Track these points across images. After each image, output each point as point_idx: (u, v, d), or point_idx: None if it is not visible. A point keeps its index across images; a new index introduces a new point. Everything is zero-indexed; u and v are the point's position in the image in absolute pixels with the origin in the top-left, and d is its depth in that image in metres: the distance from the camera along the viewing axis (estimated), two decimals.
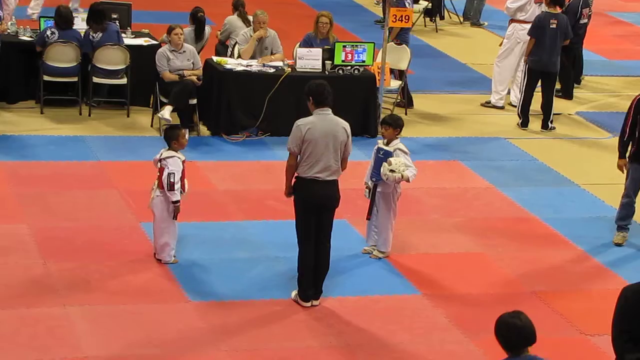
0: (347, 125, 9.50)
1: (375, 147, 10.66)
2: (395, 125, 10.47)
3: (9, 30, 14.48)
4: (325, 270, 9.68)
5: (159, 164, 10.03)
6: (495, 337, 6.37)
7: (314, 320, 9.37)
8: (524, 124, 15.05)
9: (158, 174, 10.03)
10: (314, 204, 9.44)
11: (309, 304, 9.57)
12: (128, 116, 14.24)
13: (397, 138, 10.46)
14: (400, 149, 10.37)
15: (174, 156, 9.98)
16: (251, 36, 14.39)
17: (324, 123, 9.37)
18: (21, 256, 9.98)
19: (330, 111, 9.45)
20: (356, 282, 10.15)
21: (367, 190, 10.61)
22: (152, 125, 13.98)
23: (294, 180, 9.51)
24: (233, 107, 13.84)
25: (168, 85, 13.62)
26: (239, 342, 8.90)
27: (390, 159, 10.25)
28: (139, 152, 13.06)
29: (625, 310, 6.92)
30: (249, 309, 9.45)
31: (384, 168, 10.24)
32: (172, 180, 9.91)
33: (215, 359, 8.66)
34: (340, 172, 9.51)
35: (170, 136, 10.04)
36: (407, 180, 10.26)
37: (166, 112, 13.31)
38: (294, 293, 9.66)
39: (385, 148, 10.42)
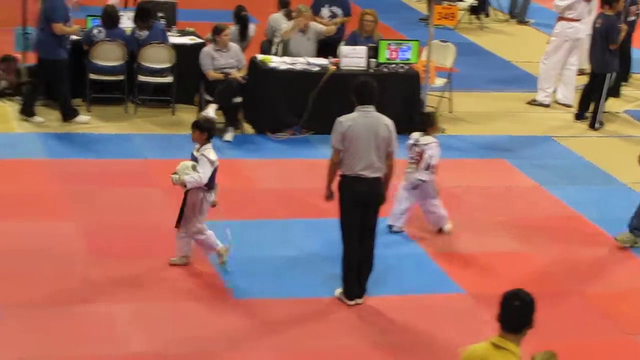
0: (390, 122, 9.46)
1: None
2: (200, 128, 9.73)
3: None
4: (370, 268, 9.68)
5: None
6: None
7: (358, 318, 9.37)
8: (578, 117, 15.13)
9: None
10: (358, 201, 9.42)
11: (353, 302, 9.57)
12: (173, 114, 14.31)
13: (208, 142, 9.73)
14: (203, 154, 9.68)
15: (433, 141, 10.89)
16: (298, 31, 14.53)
17: (365, 120, 9.35)
18: (68, 253, 10.05)
19: (372, 109, 9.41)
20: (400, 280, 10.14)
21: None
22: None
23: (338, 178, 9.51)
24: (277, 105, 13.86)
25: (212, 83, 13.67)
26: (282, 340, 8.92)
27: (184, 162, 9.84)
28: (184, 150, 13.04)
29: None
30: (292, 307, 9.47)
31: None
32: (433, 162, 10.94)
33: (259, 356, 8.68)
34: (383, 169, 9.45)
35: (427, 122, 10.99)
36: (184, 185, 9.66)
37: (211, 111, 13.36)
38: (338, 291, 9.66)
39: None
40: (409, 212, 11.19)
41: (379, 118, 9.44)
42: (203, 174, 9.62)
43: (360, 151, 9.30)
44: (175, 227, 9.88)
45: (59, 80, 13.65)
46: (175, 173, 9.70)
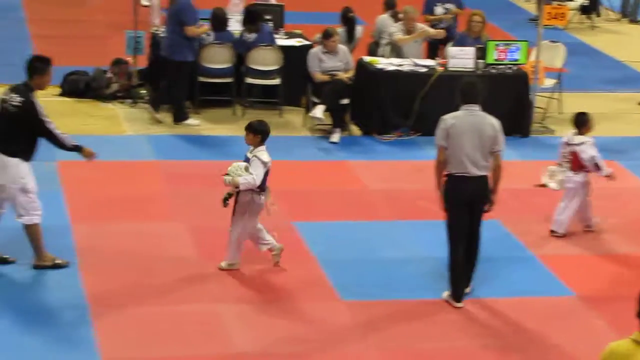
0: (496, 121, 9.40)
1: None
2: (254, 130, 9.74)
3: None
4: (475, 263, 9.64)
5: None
6: None
7: (466, 320, 9.29)
8: None
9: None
10: (463, 200, 9.39)
11: (461, 305, 9.50)
12: (280, 116, 14.38)
13: (261, 145, 9.74)
14: (256, 156, 9.68)
15: (587, 141, 10.75)
16: (402, 30, 14.47)
17: (469, 118, 9.33)
18: (176, 254, 10.17)
19: (477, 108, 9.39)
20: (509, 283, 10.02)
21: None
22: (304, 125, 14.08)
23: (444, 178, 9.46)
24: (384, 106, 13.84)
25: (320, 85, 13.71)
26: (390, 341, 8.88)
27: (236, 163, 9.74)
28: (291, 152, 13.18)
29: None
30: (399, 308, 9.43)
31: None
32: (595, 161, 10.86)
33: (365, 356, 8.67)
34: (489, 168, 9.37)
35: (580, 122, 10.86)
36: (237, 187, 9.56)
37: (318, 112, 13.40)
38: (445, 294, 9.59)
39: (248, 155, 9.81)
40: (573, 216, 11.09)
41: (484, 117, 9.40)
42: (256, 175, 9.57)
43: (465, 149, 9.27)
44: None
45: (180, 82, 13.84)
46: (227, 174, 9.62)
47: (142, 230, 10.60)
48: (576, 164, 10.99)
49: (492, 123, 9.38)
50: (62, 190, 11.17)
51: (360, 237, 10.83)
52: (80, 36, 17.47)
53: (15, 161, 9.36)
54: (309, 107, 13.99)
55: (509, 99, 14.00)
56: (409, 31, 14.59)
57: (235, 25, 14.58)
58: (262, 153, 9.68)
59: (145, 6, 18.76)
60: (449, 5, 15.30)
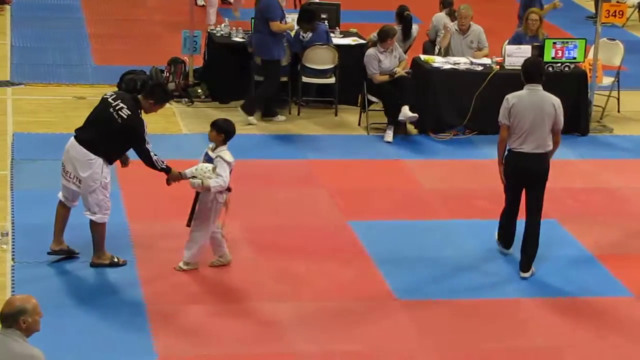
0: (557, 100, 9.77)
1: None
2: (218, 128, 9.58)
3: (221, 32, 14.85)
4: (536, 244, 9.95)
5: None
6: None
7: (524, 321, 9.23)
8: None
9: None
10: (521, 176, 9.81)
11: (509, 251, 10.19)
12: (336, 115, 14.37)
13: (224, 144, 9.61)
14: (220, 156, 9.54)
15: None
16: (456, 30, 14.40)
17: (531, 97, 9.74)
18: (233, 253, 10.20)
19: (540, 87, 9.79)
20: (566, 282, 9.94)
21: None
22: (359, 124, 14.07)
23: (505, 152, 9.87)
24: (440, 105, 13.78)
25: (378, 84, 13.63)
26: (446, 341, 8.85)
27: (201, 164, 9.61)
28: (347, 151, 13.17)
29: None
30: (455, 308, 9.39)
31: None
32: None
33: (422, 357, 8.64)
34: (550, 145, 9.76)
35: None
36: (209, 189, 9.45)
37: (406, 111, 13.32)
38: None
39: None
40: None
41: (546, 96, 9.78)
42: (225, 177, 9.50)
43: (526, 128, 9.67)
44: (187, 225, 9.72)
45: (270, 79, 13.91)
46: (194, 177, 9.52)
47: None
48: None
49: (553, 102, 9.76)
50: (120, 189, 11.25)
51: (416, 237, 10.80)
52: (138, 36, 17.60)
53: (100, 161, 9.47)
54: (364, 106, 13.97)
55: (567, 98, 13.80)
56: (462, 29, 14.51)
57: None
58: (225, 153, 9.60)
59: (202, 6, 18.86)
60: None
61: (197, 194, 9.65)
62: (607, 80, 14.77)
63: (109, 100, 9.52)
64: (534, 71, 9.88)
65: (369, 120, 13.86)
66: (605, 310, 9.47)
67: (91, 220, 9.62)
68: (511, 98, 9.83)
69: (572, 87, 13.97)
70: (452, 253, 10.45)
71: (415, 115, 13.37)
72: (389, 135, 13.50)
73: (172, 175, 9.69)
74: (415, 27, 15.00)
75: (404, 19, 14.83)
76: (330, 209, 11.38)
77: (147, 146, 9.52)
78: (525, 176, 9.85)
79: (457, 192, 11.98)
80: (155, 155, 9.57)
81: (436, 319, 9.19)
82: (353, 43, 14.77)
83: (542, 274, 10.01)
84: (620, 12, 14.39)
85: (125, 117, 9.39)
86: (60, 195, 9.75)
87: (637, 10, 20.18)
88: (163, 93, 9.74)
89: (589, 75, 14.06)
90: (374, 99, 13.82)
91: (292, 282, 9.73)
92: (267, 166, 12.57)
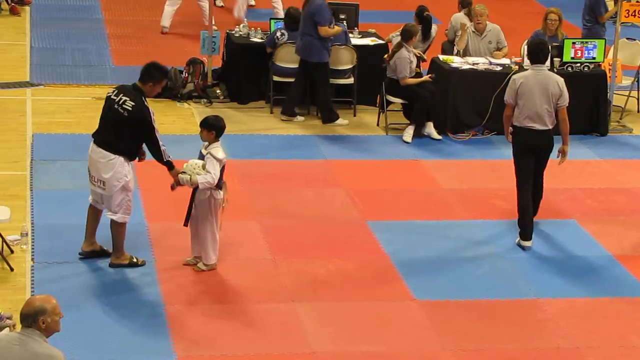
0: (560, 79, 10.48)
1: None
2: (209, 126, 9.62)
3: (240, 33, 14.87)
4: (540, 196, 10.71)
5: None
6: None
7: (541, 321, 9.20)
8: None
9: None
10: (528, 150, 10.46)
11: (529, 244, 10.42)
12: (354, 115, 14.37)
13: (217, 141, 9.62)
14: (210, 153, 9.56)
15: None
16: (473, 31, 14.37)
17: (537, 77, 10.41)
18: (251, 252, 10.22)
19: (544, 67, 10.55)
20: (585, 283, 9.91)
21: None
22: (378, 125, 14.06)
23: (511, 128, 10.56)
24: (459, 105, 13.76)
25: (398, 85, 13.60)
26: (465, 342, 8.83)
27: (191, 160, 9.61)
28: (365, 151, 13.17)
29: None
30: (474, 308, 9.37)
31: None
32: None
33: (441, 357, 8.63)
34: (553, 122, 10.40)
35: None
36: (197, 186, 9.48)
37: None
38: (517, 240, 10.50)
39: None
40: None
41: (550, 75, 10.51)
42: (214, 174, 9.48)
43: (531, 105, 10.35)
44: (185, 225, 9.74)
45: (322, 83, 13.94)
46: (183, 172, 9.53)
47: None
48: None
49: (557, 81, 10.44)
50: (139, 190, 11.28)
51: (435, 237, 10.79)
52: (157, 36, 17.63)
53: (120, 159, 9.50)
54: (383, 107, 13.95)
55: (587, 98, 13.84)
56: (478, 29, 14.48)
57: None
58: (217, 150, 9.60)
59: (220, 7, 18.88)
60: None
61: (193, 193, 9.66)
62: (627, 80, 14.72)
63: (112, 97, 9.57)
64: (538, 52, 10.53)
65: (388, 121, 13.84)
66: (625, 310, 9.44)
67: (112, 220, 9.65)
68: (518, 78, 10.46)
69: (592, 87, 13.93)
70: (470, 253, 10.44)
71: (440, 137, 13.40)
72: (409, 136, 13.48)
73: (174, 173, 9.62)
74: (434, 28, 14.97)
75: (423, 19, 14.80)
76: (348, 209, 11.38)
77: (156, 134, 9.51)
78: (533, 151, 10.48)
79: (475, 192, 11.96)
80: (164, 146, 9.56)
81: (455, 320, 9.17)
82: (372, 43, 14.76)
83: (561, 274, 9.98)
84: None
85: (130, 108, 9.43)
86: (90, 199, 9.78)
87: None
88: (157, 71, 9.70)
89: (608, 75, 14.02)
90: (393, 99, 13.81)
91: (311, 282, 9.73)
92: (286, 166, 12.57)
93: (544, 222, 11.11)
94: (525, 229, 10.51)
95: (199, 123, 9.87)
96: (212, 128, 9.62)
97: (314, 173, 12.40)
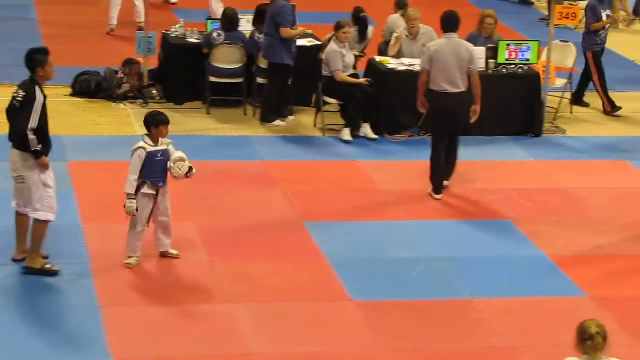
0: (471, 46, 11.72)
1: None
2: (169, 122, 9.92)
3: (176, 33, 14.80)
4: (454, 159, 11.74)
5: None
6: None
7: (477, 321, 9.28)
8: None
9: None
10: (444, 112, 11.48)
11: (440, 197, 11.57)
12: (245, 114, 14.33)
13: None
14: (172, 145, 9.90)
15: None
16: (407, 35, 14.42)
17: (449, 44, 11.51)
18: (189, 254, 10.18)
19: (456, 36, 11.58)
20: (519, 283, 10.01)
21: None
22: (315, 125, 14.07)
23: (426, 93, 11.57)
24: (395, 106, 13.81)
25: (337, 85, 13.61)
26: (401, 342, 8.88)
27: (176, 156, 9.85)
28: (302, 152, 13.17)
29: None
30: (410, 308, 9.42)
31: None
32: None
33: (378, 358, 8.66)
34: (466, 85, 11.45)
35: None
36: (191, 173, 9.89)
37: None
38: (429, 190, 11.62)
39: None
40: None
41: (461, 43, 11.64)
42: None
43: (445, 71, 11.41)
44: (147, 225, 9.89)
45: (273, 83, 13.92)
46: (179, 161, 9.76)
47: (152, 230, 10.58)
48: None
49: (468, 47, 11.62)
50: (73, 191, 11.18)
51: (371, 237, 10.83)
52: (92, 36, 17.48)
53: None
54: (319, 107, 13.97)
55: (521, 99, 13.98)
56: (412, 33, 14.52)
57: (246, 26, 14.57)
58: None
59: (173, 4, 18.85)
60: (609, 11, 15.20)
61: (157, 194, 9.70)
62: (560, 82, 14.88)
63: (13, 94, 9.48)
64: (450, 22, 11.61)
65: (325, 122, 13.87)
66: (560, 310, 9.54)
67: (35, 219, 9.52)
68: (432, 46, 11.69)
69: (526, 88, 14.07)
70: (407, 254, 10.49)
71: (376, 137, 13.46)
72: (348, 135, 13.50)
73: (41, 162, 9.39)
74: (370, 29, 15.02)
75: (360, 20, 14.84)
76: (285, 210, 11.38)
77: (29, 123, 9.24)
78: (447, 112, 11.50)
79: (412, 193, 12.01)
80: (34, 137, 9.30)
81: (392, 320, 9.21)
82: (308, 44, 14.77)
83: (496, 275, 10.07)
84: (573, 15, 14.49)
85: (21, 99, 9.37)
86: (13, 204, 9.65)
87: None
88: (37, 54, 9.61)
89: (542, 76, 14.16)
90: (329, 100, 13.83)
91: (248, 283, 9.72)
92: (223, 167, 12.54)
93: (479, 223, 11.21)
94: (437, 184, 11.64)
95: (157, 123, 9.80)
96: (169, 122, 9.85)
97: (251, 174, 12.38)
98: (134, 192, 9.66)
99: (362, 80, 13.72)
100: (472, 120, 11.65)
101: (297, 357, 8.56)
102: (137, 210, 9.64)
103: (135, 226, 9.77)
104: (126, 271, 9.72)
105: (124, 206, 9.65)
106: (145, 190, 9.73)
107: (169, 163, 9.77)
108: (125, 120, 13.89)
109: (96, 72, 14.79)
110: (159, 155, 9.74)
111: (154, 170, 9.73)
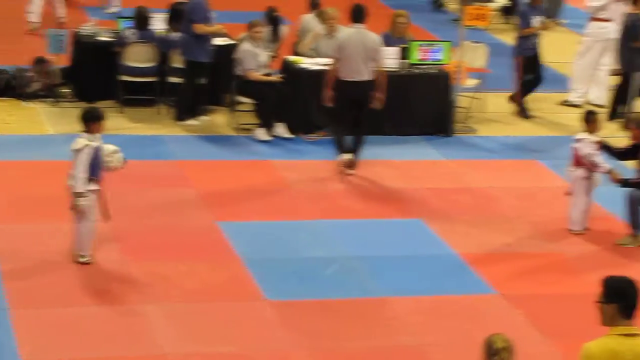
0: (377, 36, 12.28)
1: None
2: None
3: (88, 31, 14.66)
4: (360, 142, 12.33)
5: None
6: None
7: (390, 319, 9.35)
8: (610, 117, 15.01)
9: None
10: (349, 99, 12.09)
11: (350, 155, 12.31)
12: (158, 113, 14.28)
13: None
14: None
15: (585, 138, 10.96)
16: (325, 34, 14.48)
17: (357, 35, 12.11)
18: (101, 254, 10.09)
19: (363, 27, 12.14)
20: (431, 281, 10.11)
21: None
22: (229, 125, 14.05)
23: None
24: (309, 106, 13.85)
25: (247, 84, 13.62)
26: (316, 341, 8.92)
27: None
28: (216, 151, 13.15)
29: None
30: (325, 307, 9.47)
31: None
32: (591, 159, 10.94)
33: (292, 356, 8.69)
34: (372, 74, 12.02)
35: (586, 119, 11.09)
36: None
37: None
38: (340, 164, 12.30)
39: None
40: (585, 212, 11.28)
41: (368, 33, 12.19)
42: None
43: (351, 60, 12.00)
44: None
45: (188, 81, 13.85)
46: (113, 153, 9.88)
47: (63, 230, 10.48)
48: (576, 160, 11.17)
49: (373, 37, 12.18)
50: None
51: (285, 237, 10.85)
52: (1, 34, 17.23)
53: None
54: (233, 106, 13.95)
55: (432, 99, 14.12)
56: (330, 32, 14.59)
57: (159, 24, 14.50)
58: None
59: None
60: (541, 18, 15.27)
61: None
62: (471, 82, 15.06)
63: None
64: (358, 14, 12.17)
65: (239, 121, 13.85)
66: (470, 307, 9.66)
67: None
68: (340, 36, 12.48)
69: (437, 88, 14.21)
70: (320, 253, 10.54)
71: (291, 136, 13.50)
72: (263, 134, 13.50)
73: None
74: (284, 28, 15.05)
75: (273, 19, 14.87)
76: (199, 210, 11.35)
77: None
78: (353, 100, 12.13)
79: (325, 192, 12.07)
80: None
81: (306, 319, 9.25)
82: (222, 43, 14.73)
83: (408, 273, 10.16)
84: (483, 16, 14.68)
85: None
86: None
87: (499, 14, 20.61)
88: None
89: (453, 77, 14.32)
90: (243, 99, 13.82)
91: (162, 283, 9.67)
92: (136, 167, 12.41)
93: (392, 222, 11.31)
94: (341, 146, 12.43)
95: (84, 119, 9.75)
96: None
97: (164, 174, 12.32)
98: (85, 190, 9.60)
99: (273, 77, 13.72)
100: (375, 107, 12.20)
101: (212, 357, 8.55)
102: (87, 208, 9.59)
103: (86, 224, 9.68)
104: (36, 273, 9.61)
105: (73, 206, 9.58)
106: (93, 186, 9.67)
107: (105, 157, 9.70)
108: (35, 119, 13.72)
109: (5, 71, 14.60)
110: (99, 151, 9.70)
111: (97, 166, 9.70)
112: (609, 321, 6.07)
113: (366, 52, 12.07)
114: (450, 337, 9.13)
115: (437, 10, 21.51)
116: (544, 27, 15.20)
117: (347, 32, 12.38)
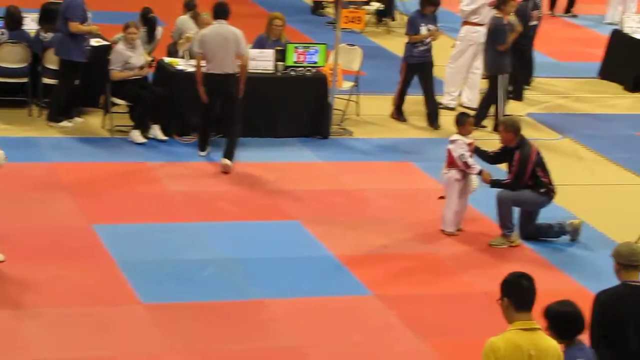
0: (238, 31, 12.64)
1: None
2: None
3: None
4: (235, 142, 12.63)
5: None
6: (547, 328, 6.35)
7: (267, 321, 9.37)
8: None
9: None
10: (214, 91, 12.60)
11: (204, 153, 12.90)
12: (79, 117, 14.12)
13: None
14: None
15: (458, 140, 11.26)
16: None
17: (218, 30, 12.60)
18: None
19: (225, 22, 12.64)
20: (308, 283, 10.16)
21: None
22: (103, 127, 13.88)
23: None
24: (184, 108, 13.77)
25: (120, 84, 13.49)
26: (192, 343, 8.88)
27: None
28: (90, 154, 12.98)
29: (600, 316, 7.01)
30: (201, 310, 9.43)
31: None
32: (463, 160, 11.20)
33: (167, 359, 8.65)
34: (235, 67, 12.57)
35: (458, 121, 11.40)
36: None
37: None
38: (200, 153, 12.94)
39: None
40: (459, 213, 11.41)
41: (229, 28, 12.64)
42: None
43: (215, 53, 12.51)
44: None
45: (62, 81, 13.61)
46: None
47: None
48: (449, 161, 11.31)
49: (235, 32, 12.59)
50: None
51: (161, 239, 10.78)
52: None
53: None
54: (107, 108, 13.79)
55: (309, 101, 14.18)
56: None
57: (31, 24, 14.25)
58: None
59: None
60: (432, 26, 15.24)
61: None
62: (347, 85, 15.17)
63: None
64: (220, 10, 12.66)
65: (113, 123, 13.70)
66: (347, 309, 9.73)
67: None
68: (202, 32, 12.91)
69: (314, 90, 14.27)
70: (196, 255, 10.49)
71: (166, 138, 13.42)
72: (139, 136, 13.38)
73: None
74: (159, 29, 14.95)
75: (148, 20, 14.75)
76: (73, 213, 11.19)
77: None
78: (218, 92, 12.60)
79: (201, 195, 12.02)
80: None
81: (182, 322, 9.20)
82: (96, 44, 14.54)
83: (286, 275, 10.19)
84: (359, 19, 14.81)
85: None
86: None
87: (374, 17, 20.81)
88: None
89: (329, 79, 14.40)
90: (117, 100, 13.67)
91: (34, 288, 9.51)
92: (8, 169, 12.18)
93: (269, 224, 11.32)
94: (203, 142, 13.00)
95: None
96: None
97: (37, 176, 12.11)
98: None
99: (132, 73, 13.54)
100: (239, 96, 12.64)
101: None
102: None
103: None
104: None
105: None
106: None
107: None
108: None
109: None
110: None
111: None
112: (507, 316, 6.22)
113: (228, 46, 12.49)
114: (328, 338, 9.18)
115: (316, 14, 21.60)
116: (432, 35, 15.23)
117: (210, 27, 12.84)
